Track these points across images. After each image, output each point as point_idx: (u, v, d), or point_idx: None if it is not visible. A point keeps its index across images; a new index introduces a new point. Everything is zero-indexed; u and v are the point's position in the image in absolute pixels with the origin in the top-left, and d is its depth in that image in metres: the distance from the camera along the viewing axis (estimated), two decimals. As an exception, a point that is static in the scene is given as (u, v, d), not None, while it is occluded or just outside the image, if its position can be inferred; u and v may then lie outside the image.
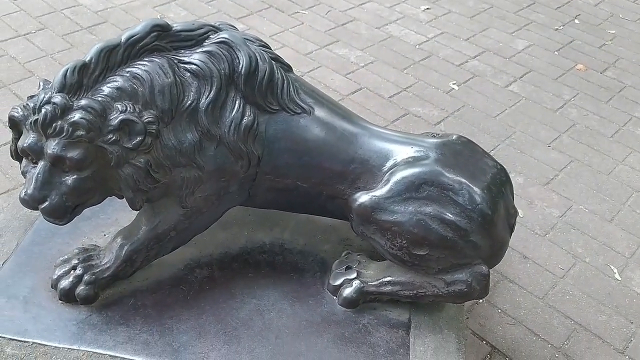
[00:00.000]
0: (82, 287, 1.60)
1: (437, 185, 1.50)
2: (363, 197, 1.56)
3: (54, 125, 1.39)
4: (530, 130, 3.25)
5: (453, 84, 3.56)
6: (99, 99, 1.41)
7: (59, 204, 1.44)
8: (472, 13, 4.38)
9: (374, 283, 1.67)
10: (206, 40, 1.55)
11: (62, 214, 1.46)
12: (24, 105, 1.44)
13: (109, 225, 1.88)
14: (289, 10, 4.15)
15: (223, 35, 1.55)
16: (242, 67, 1.54)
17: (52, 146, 1.40)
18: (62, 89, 1.41)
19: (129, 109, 1.41)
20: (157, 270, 1.74)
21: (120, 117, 1.40)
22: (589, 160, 3.07)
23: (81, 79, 1.42)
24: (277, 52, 3.75)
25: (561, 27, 4.31)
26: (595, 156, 3.10)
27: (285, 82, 1.61)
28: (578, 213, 2.73)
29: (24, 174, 1.49)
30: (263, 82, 1.56)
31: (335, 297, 1.72)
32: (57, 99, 1.39)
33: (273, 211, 1.91)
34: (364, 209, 1.55)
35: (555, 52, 4.00)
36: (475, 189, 1.51)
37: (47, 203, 1.43)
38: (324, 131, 1.62)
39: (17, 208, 1.92)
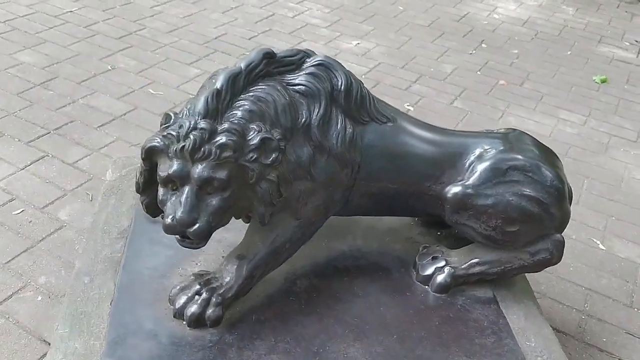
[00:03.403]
0: (212, 310, 1.64)
1: (519, 168, 1.76)
2: (456, 188, 1.78)
3: (202, 149, 1.47)
4: (484, 138, 3.67)
5: (407, 105, 3.91)
6: (237, 121, 1.52)
7: (207, 225, 1.50)
8: (397, 45, 4.82)
9: (463, 266, 1.87)
10: (304, 64, 1.71)
11: (207, 235, 1.52)
12: (163, 135, 1.50)
13: (196, 254, 1.91)
14: (237, 53, 4.31)
15: (319, 58, 1.72)
16: (341, 85, 1.71)
17: (200, 169, 1.48)
18: (205, 114, 1.49)
19: (263, 128, 1.53)
20: (263, 287, 1.81)
21: (260, 136, 1.51)
22: (540, 158, 3.53)
23: (216, 105, 1.52)
24: None
25: (474, 52, 4.88)
26: (544, 153, 3.57)
27: (370, 96, 1.80)
28: (549, 201, 3.14)
29: (162, 202, 1.53)
30: (357, 97, 1.74)
31: (427, 287, 1.90)
32: (204, 124, 1.47)
33: (338, 222, 2.07)
34: (460, 197, 1.76)
35: (478, 72, 4.53)
36: (549, 168, 1.79)
37: (196, 226, 1.49)
38: (409, 136, 1.83)
39: (93, 252, 1.90)
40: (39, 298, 2.25)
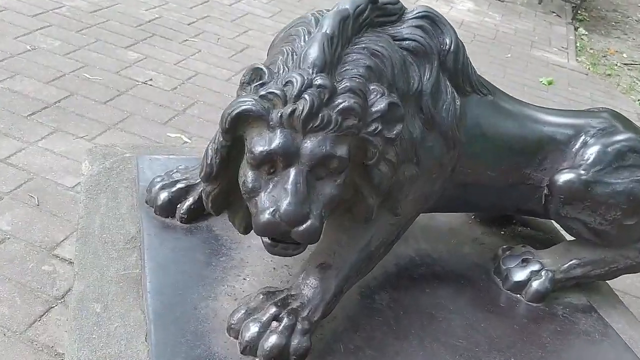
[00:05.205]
0: (297, 339, 1.19)
1: (638, 151, 1.50)
2: (569, 175, 1.48)
3: (320, 115, 1.04)
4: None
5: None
6: (359, 79, 1.10)
7: (320, 222, 1.07)
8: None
9: (562, 269, 1.58)
10: (404, 16, 1.33)
11: (319, 235, 1.09)
12: (260, 96, 1.05)
13: (240, 267, 1.45)
14: (178, 39, 3.78)
15: (424, 9, 1.34)
16: (451, 44, 1.35)
17: (315, 144, 1.04)
18: (322, 67, 1.07)
19: (385, 91, 1.13)
20: (339, 305, 1.39)
21: (386, 101, 1.11)
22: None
23: (331, 56, 1.10)
24: (194, 78, 3.47)
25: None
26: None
27: (471, 62, 1.46)
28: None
29: (253, 191, 1.08)
30: (464, 62, 1.39)
31: (519, 295, 1.58)
32: (323, 80, 1.05)
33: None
34: (577, 186, 1.47)
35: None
36: (662, 151, 1.55)
37: (308, 223, 1.05)
38: (508, 112, 1.51)
39: (97, 269, 1.38)
40: (-9, 336, 1.65)
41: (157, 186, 1.54)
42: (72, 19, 3.67)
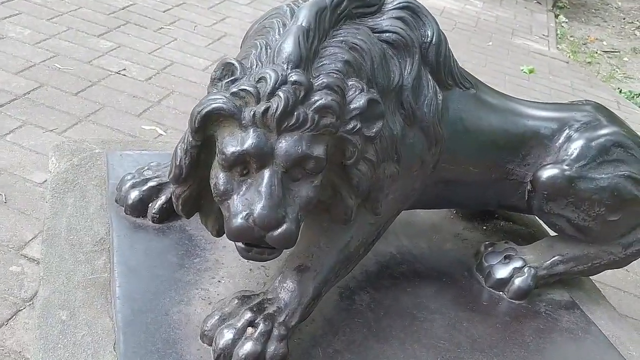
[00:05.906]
0: (274, 346, 1.15)
1: (623, 145, 1.48)
2: (553, 170, 1.45)
3: (295, 113, 0.99)
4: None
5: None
6: (336, 75, 1.05)
7: (296, 226, 1.03)
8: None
9: (545, 265, 1.56)
10: (383, 6, 1.27)
11: (295, 240, 1.04)
12: (232, 93, 0.99)
13: (214, 269, 1.40)
14: (153, 26, 3.68)
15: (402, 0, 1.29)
16: (433, 36, 1.30)
17: (290, 144, 0.99)
18: (298, 62, 1.01)
19: (364, 87, 1.08)
20: (316, 309, 1.35)
21: (366, 97, 1.05)
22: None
23: (308, 50, 1.04)
24: (169, 68, 3.41)
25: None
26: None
27: (453, 54, 1.41)
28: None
29: (225, 194, 1.02)
30: (447, 54, 1.35)
31: (502, 292, 1.55)
32: (298, 76, 0.99)
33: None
34: (560, 181, 1.43)
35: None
36: (646, 145, 1.53)
37: (283, 227, 1.00)
38: (491, 106, 1.47)
39: (64, 273, 1.31)
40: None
41: (128, 184, 1.47)
42: (43, 7, 3.55)
